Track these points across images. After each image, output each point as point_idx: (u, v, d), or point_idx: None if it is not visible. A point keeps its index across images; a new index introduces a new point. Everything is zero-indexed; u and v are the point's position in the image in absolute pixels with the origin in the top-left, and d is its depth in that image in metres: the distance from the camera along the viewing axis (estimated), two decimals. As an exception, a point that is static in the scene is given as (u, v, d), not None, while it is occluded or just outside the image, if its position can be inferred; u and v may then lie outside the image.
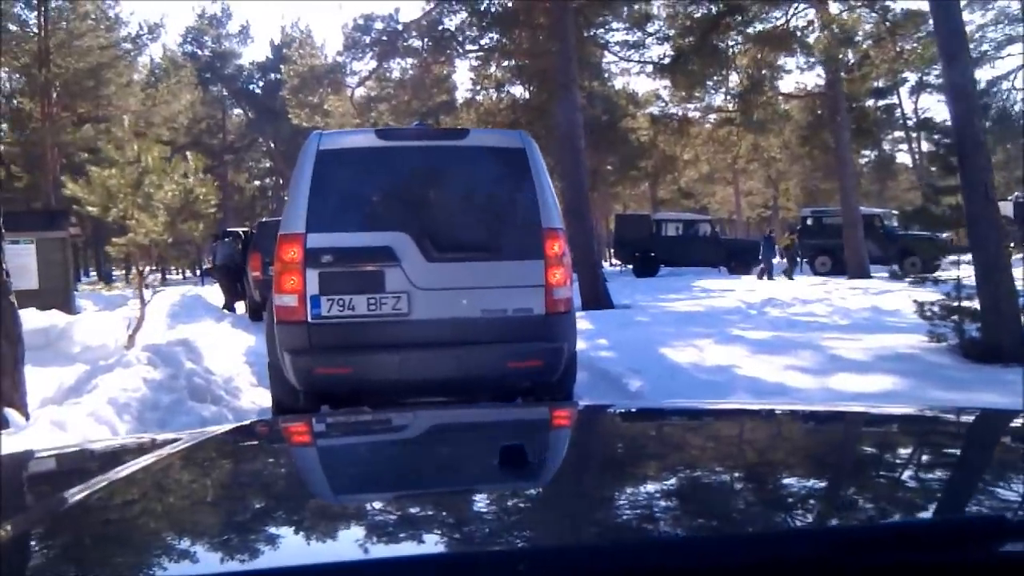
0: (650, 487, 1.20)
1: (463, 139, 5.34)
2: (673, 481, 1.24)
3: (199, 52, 46.39)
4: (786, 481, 1.25)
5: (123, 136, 8.28)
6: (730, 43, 21.71)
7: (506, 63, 24.30)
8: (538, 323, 5.08)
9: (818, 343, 9.15)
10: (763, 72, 21.93)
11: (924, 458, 1.39)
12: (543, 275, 5.09)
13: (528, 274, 5.09)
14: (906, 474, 1.27)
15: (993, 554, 0.83)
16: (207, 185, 9.00)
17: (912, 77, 40.14)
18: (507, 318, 5.06)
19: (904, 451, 1.46)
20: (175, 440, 1.52)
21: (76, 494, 1.15)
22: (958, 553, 0.82)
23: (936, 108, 47.77)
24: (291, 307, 4.98)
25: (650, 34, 24.31)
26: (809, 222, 26.34)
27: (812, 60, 23.71)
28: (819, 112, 26.53)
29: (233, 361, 7.82)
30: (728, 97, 23.27)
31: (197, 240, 16.70)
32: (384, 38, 18.63)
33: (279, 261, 5.05)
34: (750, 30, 21.54)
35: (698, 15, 20.88)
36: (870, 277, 21.73)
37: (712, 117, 25.88)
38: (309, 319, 4.95)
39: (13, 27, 20.55)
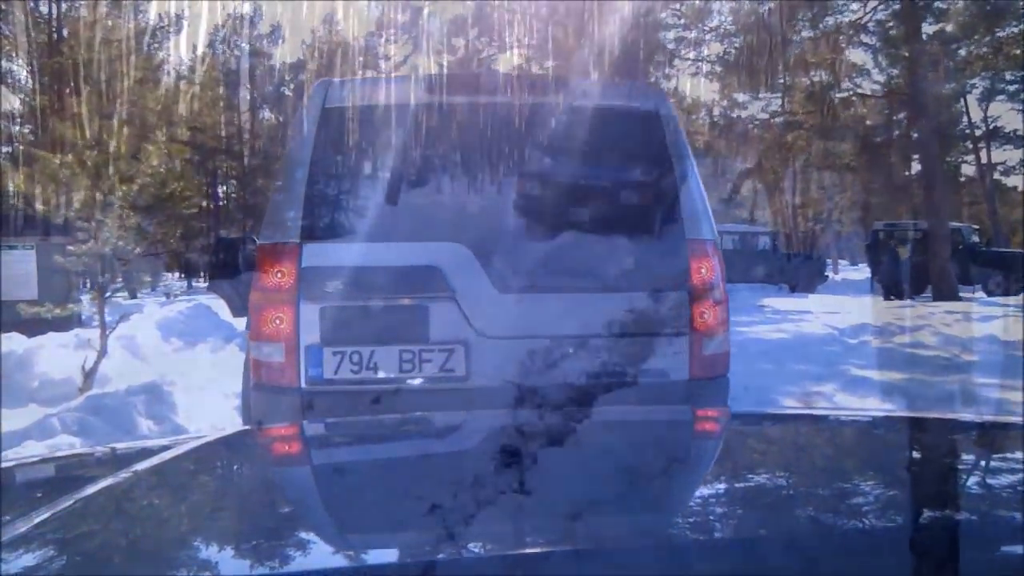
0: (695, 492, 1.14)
1: (560, 93, 3.33)
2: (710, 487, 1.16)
3: (228, 52, 45.15)
4: (783, 484, 1.17)
5: (87, 113, 6.46)
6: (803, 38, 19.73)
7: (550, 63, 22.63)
8: (679, 393, 3.11)
9: (979, 392, 7.13)
10: (839, 71, 19.82)
11: (945, 463, 1.30)
12: (688, 316, 3.13)
13: (664, 314, 3.13)
14: (915, 477, 1.20)
15: (992, 557, 0.82)
16: (186, 177, 7.09)
17: (980, 83, 37.75)
18: (629, 386, 3.11)
19: (915, 455, 1.38)
20: (163, 448, 1.41)
21: (65, 501, 1.07)
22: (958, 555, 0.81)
23: (1008, 117, 44.78)
24: (274, 363, 3.05)
25: (710, 29, 22.39)
26: (881, 236, 23.97)
27: (892, 53, 21.50)
28: (893, 117, 24.23)
29: (220, 410, 5.89)
30: (798, 98, 21.19)
31: (173, 246, 14.92)
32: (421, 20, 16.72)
33: (257, 288, 3.11)
34: (825, 23, 19.52)
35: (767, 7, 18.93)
36: (959, 299, 19.42)
37: (766, 121, 23.78)
38: (303, 384, 3.04)
39: (20, 15, 19.04)
